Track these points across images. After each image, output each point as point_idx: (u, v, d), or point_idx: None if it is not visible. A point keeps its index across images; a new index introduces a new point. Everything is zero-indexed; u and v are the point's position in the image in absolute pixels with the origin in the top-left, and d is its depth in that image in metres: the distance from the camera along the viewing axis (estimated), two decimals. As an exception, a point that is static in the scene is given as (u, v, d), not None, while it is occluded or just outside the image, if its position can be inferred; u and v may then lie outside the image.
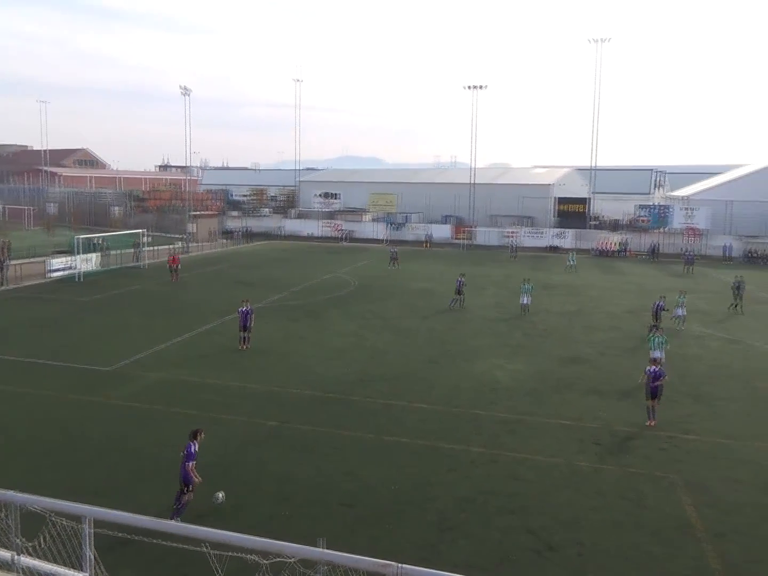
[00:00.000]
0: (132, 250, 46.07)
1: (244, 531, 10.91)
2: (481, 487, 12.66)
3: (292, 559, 5.50)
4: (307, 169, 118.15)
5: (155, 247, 49.76)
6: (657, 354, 19.22)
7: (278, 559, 5.45)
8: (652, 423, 16.01)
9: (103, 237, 46.17)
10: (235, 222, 76.58)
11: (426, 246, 63.26)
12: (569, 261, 47.95)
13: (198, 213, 69.51)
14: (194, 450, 11.11)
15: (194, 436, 11.32)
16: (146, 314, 28.79)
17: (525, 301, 30.00)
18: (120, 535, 6.47)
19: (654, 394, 16.02)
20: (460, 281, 31.87)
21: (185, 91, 58.19)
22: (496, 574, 9.86)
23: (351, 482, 12.79)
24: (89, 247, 42.71)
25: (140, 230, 47.53)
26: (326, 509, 11.75)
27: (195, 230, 62.54)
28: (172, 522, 5.34)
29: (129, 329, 25.78)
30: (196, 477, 11.06)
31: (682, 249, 59.13)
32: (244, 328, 22.61)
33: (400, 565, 4.51)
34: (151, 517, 6.89)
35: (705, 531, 11.20)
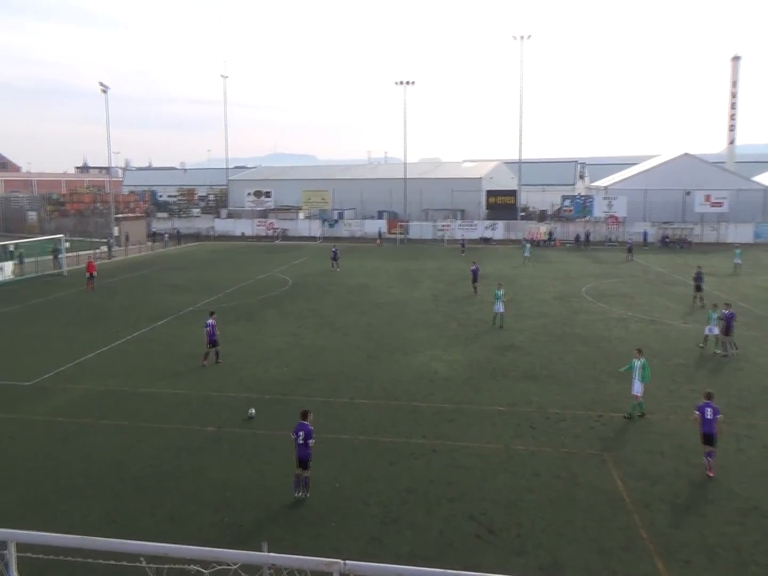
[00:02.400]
0: (51, 257, 43.63)
1: (183, 541, 10.64)
2: (423, 478, 12.86)
3: (235, 566, 5.41)
4: (237, 167, 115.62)
5: (77, 253, 47.31)
6: (636, 388, 15.95)
7: (220, 567, 5.33)
8: (711, 473, 12.75)
9: (17, 244, 43.45)
10: (163, 224, 73.92)
11: (378, 243, 61.62)
12: (525, 253, 47.75)
13: (123, 215, 66.55)
14: (311, 427, 12.04)
15: (305, 416, 12.16)
16: (69, 324, 27.33)
17: (499, 309, 26.10)
18: (49, 557, 6.14)
19: (711, 438, 12.73)
20: (475, 269, 34.02)
21: (104, 88, 55.41)
22: (440, 562, 10.04)
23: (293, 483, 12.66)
24: (3, 255, 40.10)
25: (59, 236, 45.03)
26: (268, 512, 11.59)
27: (120, 234, 59.86)
28: (102, 539, 5.11)
29: (51, 340, 24.39)
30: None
31: (606, 237, 62.32)
32: (213, 343, 20.64)
33: (345, 561, 4.51)
34: (81, 536, 6.57)
35: (633, 503, 11.86)
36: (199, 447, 14.42)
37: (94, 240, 56.83)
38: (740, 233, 60.81)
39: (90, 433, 15.22)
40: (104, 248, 52.56)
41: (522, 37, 63.57)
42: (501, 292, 26.29)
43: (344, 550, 10.29)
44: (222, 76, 79.35)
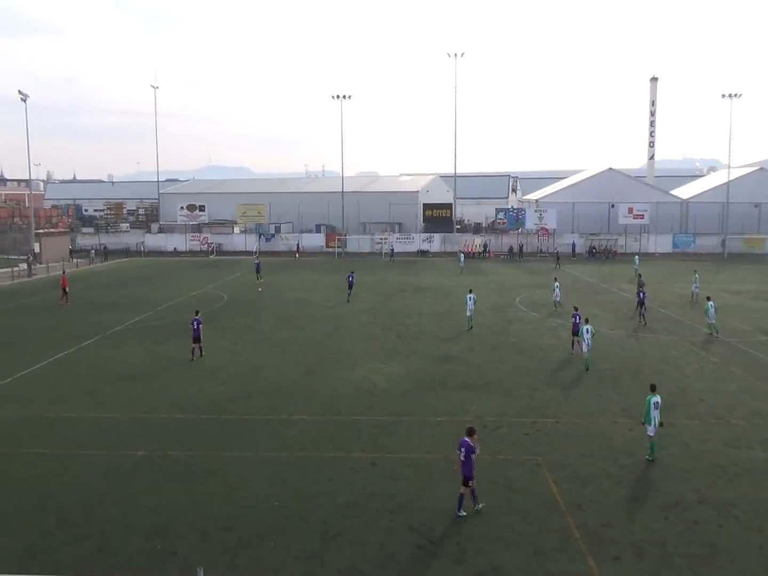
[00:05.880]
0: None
1: (111, 572, 10.12)
2: (363, 491, 12.80)
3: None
4: (169, 180, 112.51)
5: (-7, 271, 44.43)
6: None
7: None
8: None
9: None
10: (88, 239, 70.73)
11: (297, 256, 62.65)
12: (461, 263, 51.33)
13: (44, 231, 63.17)
14: (474, 444, 12.00)
15: (470, 433, 12.16)
16: (-15, 347, 25.56)
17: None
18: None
19: None
20: (351, 276, 36.84)
21: (23, 97, 52.64)
22: (381, 575, 10.02)
23: (230, 504, 12.31)
24: None
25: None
26: (205, 536, 11.19)
27: (41, 250, 56.74)
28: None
29: (-37, 365, 22.71)
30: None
31: (537, 248, 64.69)
32: (196, 339, 23.26)
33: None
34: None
35: (566, 504, 12.26)
36: (128, 472, 13.77)
37: (11, 257, 53.56)
38: (660, 243, 64.61)
39: (6, 465, 14.23)
40: (23, 266, 49.60)
41: (456, 54, 65.49)
42: (472, 296, 28.35)
43: (283, 570, 10.08)
44: (152, 86, 77.23)
